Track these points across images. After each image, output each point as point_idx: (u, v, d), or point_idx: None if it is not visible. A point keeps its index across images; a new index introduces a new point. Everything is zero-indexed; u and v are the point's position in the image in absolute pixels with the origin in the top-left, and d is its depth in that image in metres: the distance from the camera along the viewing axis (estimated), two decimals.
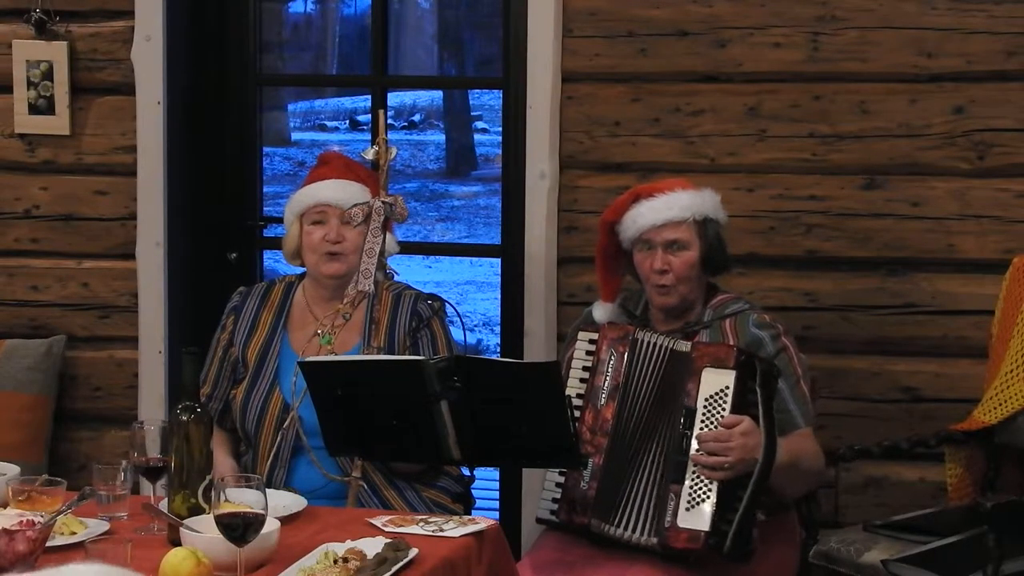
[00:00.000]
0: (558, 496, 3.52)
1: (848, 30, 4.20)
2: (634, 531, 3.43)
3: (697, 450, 3.37)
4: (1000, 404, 3.87)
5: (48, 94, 4.64)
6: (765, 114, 4.26)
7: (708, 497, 3.37)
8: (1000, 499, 3.58)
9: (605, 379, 3.52)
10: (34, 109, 4.66)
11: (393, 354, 3.77)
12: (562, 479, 3.52)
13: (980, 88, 4.14)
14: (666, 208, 3.67)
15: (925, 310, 4.22)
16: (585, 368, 3.56)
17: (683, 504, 3.38)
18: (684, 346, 3.46)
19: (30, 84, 4.64)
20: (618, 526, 3.45)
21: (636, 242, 3.69)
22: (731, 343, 3.57)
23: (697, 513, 3.37)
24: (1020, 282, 3.94)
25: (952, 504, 3.98)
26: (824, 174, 4.25)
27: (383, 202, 3.72)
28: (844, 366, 4.24)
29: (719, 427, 3.36)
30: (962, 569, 3.49)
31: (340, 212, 3.81)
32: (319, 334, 3.78)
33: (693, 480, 3.38)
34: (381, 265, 3.73)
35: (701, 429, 3.38)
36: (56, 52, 4.62)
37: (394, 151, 3.74)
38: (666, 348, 3.49)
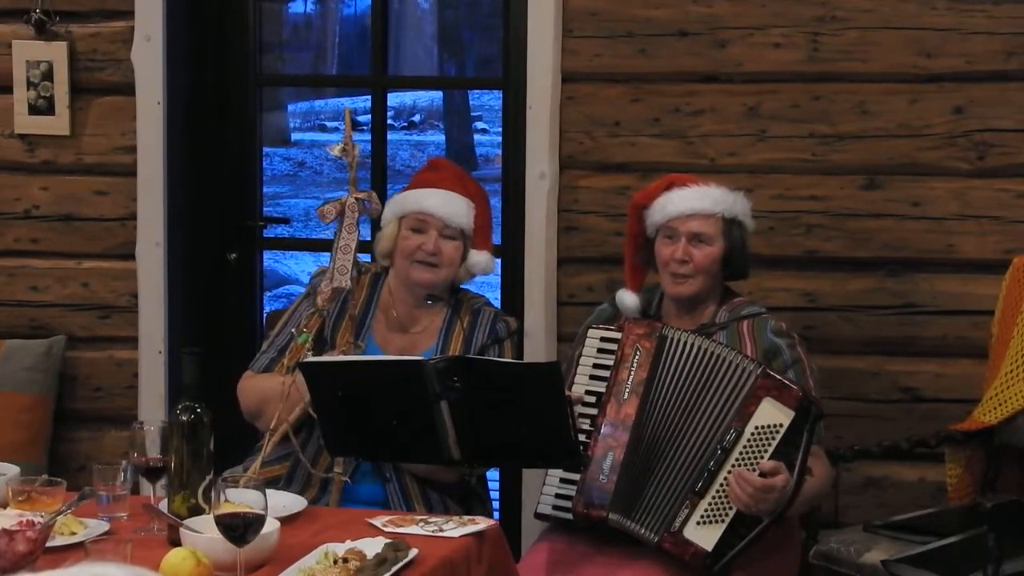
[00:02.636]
0: (561, 492, 3.51)
1: (848, 30, 4.20)
2: (642, 525, 3.43)
3: (729, 472, 3.35)
4: (1000, 404, 3.87)
5: (48, 94, 4.64)
6: (765, 114, 4.26)
7: (723, 520, 3.36)
8: (1000, 499, 3.58)
9: (630, 374, 3.49)
10: (34, 109, 4.66)
11: None
12: (567, 475, 3.50)
13: (980, 88, 4.15)
14: (697, 199, 3.66)
15: (925, 310, 4.22)
16: (595, 366, 3.53)
17: (696, 516, 3.37)
18: (749, 364, 3.41)
19: (30, 84, 4.64)
20: (636, 521, 3.44)
21: (661, 228, 3.68)
22: (753, 353, 3.54)
23: (707, 531, 3.36)
24: (1020, 282, 3.94)
25: (952, 504, 3.98)
26: (824, 174, 4.25)
27: (356, 198, 3.70)
28: (844, 366, 4.24)
29: (757, 468, 3.31)
30: (962, 569, 3.49)
31: (442, 225, 3.77)
32: (293, 332, 3.71)
33: (715, 498, 3.37)
34: (356, 262, 3.70)
35: (740, 454, 3.35)
36: (56, 52, 4.62)
37: (358, 148, 3.71)
38: (711, 353, 3.45)
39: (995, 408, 3.87)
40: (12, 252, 4.74)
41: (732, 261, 3.69)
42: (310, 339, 3.62)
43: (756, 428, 3.36)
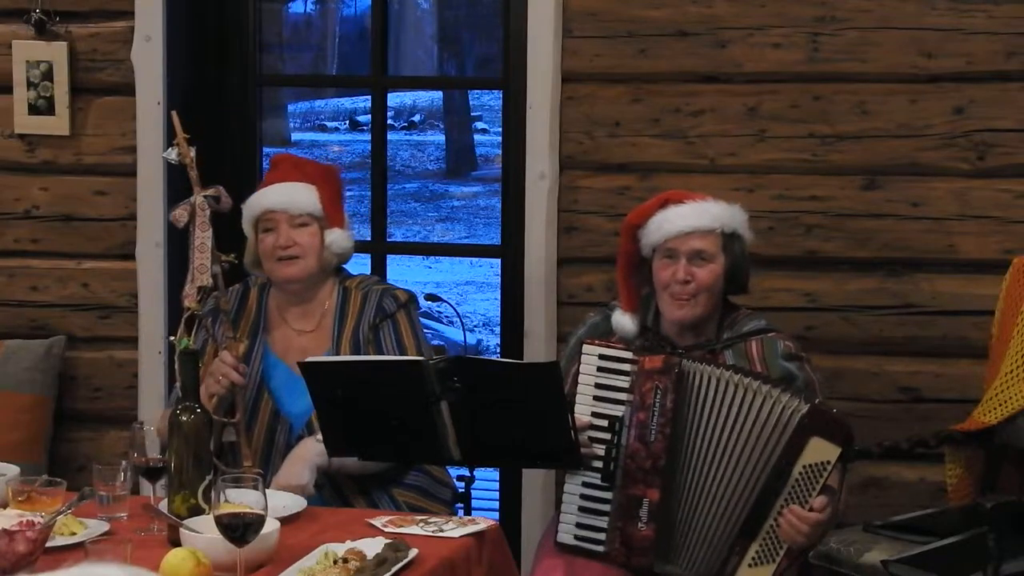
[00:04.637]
0: (584, 522, 3.42)
1: (848, 30, 4.20)
2: (690, 570, 3.40)
3: (779, 513, 3.31)
4: (1000, 404, 3.86)
5: (48, 94, 4.64)
6: (765, 114, 4.26)
7: (774, 560, 3.33)
8: (1000, 499, 3.57)
9: (653, 415, 3.36)
10: (34, 109, 4.66)
11: (359, 351, 3.75)
12: (586, 503, 3.41)
13: (980, 88, 4.15)
14: (695, 215, 3.56)
15: (925, 310, 4.22)
16: (599, 385, 3.41)
17: (748, 559, 3.34)
18: (793, 401, 3.30)
19: (30, 84, 4.64)
20: (678, 566, 3.41)
21: (658, 249, 3.58)
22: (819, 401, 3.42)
23: (757, 573, 3.33)
24: (1020, 282, 3.94)
25: (952, 504, 3.98)
26: (824, 174, 4.25)
27: (205, 196, 3.70)
28: (844, 366, 4.24)
29: (808, 505, 3.29)
30: (962, 569, 3.48)
31: (287, 216, 3.79)
32: (171, 339, 3.69)
33: (765, 539, 3.34)
34: (216, 258, 3.70)
35: (789, 494, 3.31)
36: (56, 52, 4.62)
37: (191, 148, 3.70)
38: (746, 389, 3.35)
39: (995, 408, 3.87)
40: (12, 252, 4.74)
41: (734, 276, 3.61)
42: (190, 343, 3.60)
43: (804, 468, 3.30)
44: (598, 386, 3.42)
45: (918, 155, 4.19)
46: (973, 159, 4.16)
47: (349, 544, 2.96)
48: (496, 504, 4.71)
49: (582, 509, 3.43)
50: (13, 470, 3.34)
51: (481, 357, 3.72)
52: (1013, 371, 3.86)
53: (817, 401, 3.38)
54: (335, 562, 2.86)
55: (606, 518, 3.41)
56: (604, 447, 3.40)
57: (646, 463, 3.37)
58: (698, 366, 3.39)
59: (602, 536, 3.42)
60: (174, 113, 3.72)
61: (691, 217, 3.57)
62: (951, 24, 4.14)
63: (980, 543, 3.47)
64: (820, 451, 3.29)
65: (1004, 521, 3.46)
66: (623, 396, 3.41)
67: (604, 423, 3.40)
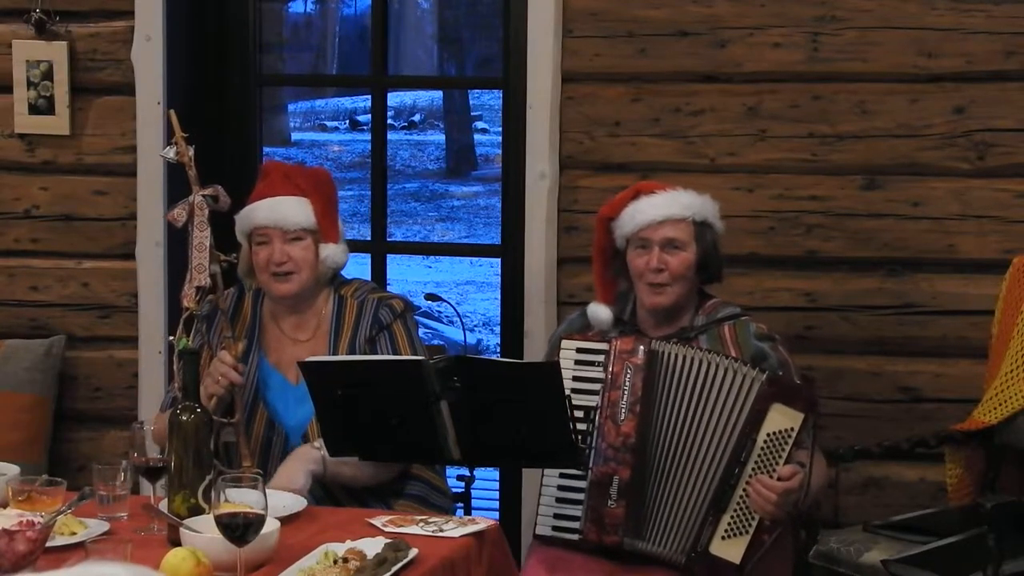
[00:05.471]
0: (560, 512, 3.48)
1: (848, 30, 4.20)
2: (662, 546, 3.43)
3: (747, 483, 3.34)
4: (1000, 404, 3.87)
5: (48, 94, 4.64)
6: (765, 114, 4.26)
7: (747, 531, 3.35)
8: (1000, 499, 3.58)
9: (623, 394, 3.44)
10: (34, 109, 4.66)
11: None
12: (563, 494, 3.48)
13: (980, 88, 4.15)
14: (666, 205, 3.62)
15: (925, 310, 4.22)
16: (576, 378, 3.48)
17: (720, 532, 3.37)
18: (751, 371, 3.37)
19: (30, 84, 4.64)
20: (649, 542, 3.44)
21: (632, 239, 3.64)
22: (789, 373, 3.49)
23: (732, 544, 3.36)
24: (1020, 282, 3.94)
25: (952, 504, 3.98)
26: (824, 174, 4.25)
27: (203, 195, 3.69)
28: (844, 366, 4.24)
29: (775, 475, 3.32)
30: (962, 569, 3.49)
31: (280, 232, 3.75)
32: (171, 339, 3.67)
33: (736, 511, 3.36)
34: (215, 258, 3.69)
35: (756, 464, 3.34)
36: (56, 52, 4.62)
37: (190, 147, 3.68)
38: (708, 364, 3.41)
39: (995, 408, 3.87)
40: (12, 252, 4.74)
41: (707, 265, 3.65)
42: (188, 343, 3.59)
43: (768, 435, 3.34)
44: (575, 379, 3.49)
45: (918, 155, 4.19)
46: (973, 159, 4.16)
47: (349, 544, 2.96)
48: (496, 504, 4.71)
49: (559, 500, 3.50)
50: (13, 470, 3.34)
51: (481, 357, 3.71)
52: (1013, 371, 3.86)
53: (782, 374, 3.44)
54: (335, 562, 2.86)
55: (581, 506, 3.47)
56: (580, 437, 3.44)
57: (616, 441, 3.44)
58: (667, 346, 3.47)
59: (577, 524, 3.48)
60: (172, 112, 3.72)
61: (663, 206, 3.63)
62: (951, 24, 4.14)
63: (980, 543, 3.47)
64: (783, 418, 3.34)
65: (1004, 521, 3.46)
66: (598, 387, 3.48)
67: (580, 414, 3.45)
